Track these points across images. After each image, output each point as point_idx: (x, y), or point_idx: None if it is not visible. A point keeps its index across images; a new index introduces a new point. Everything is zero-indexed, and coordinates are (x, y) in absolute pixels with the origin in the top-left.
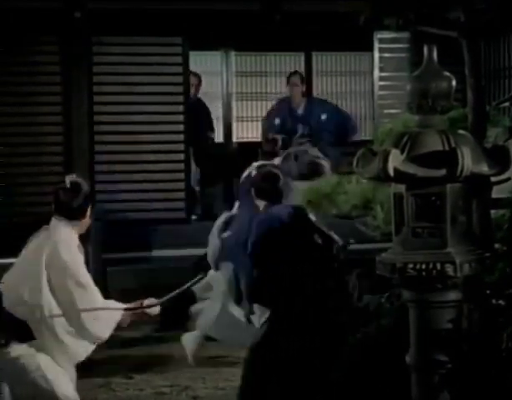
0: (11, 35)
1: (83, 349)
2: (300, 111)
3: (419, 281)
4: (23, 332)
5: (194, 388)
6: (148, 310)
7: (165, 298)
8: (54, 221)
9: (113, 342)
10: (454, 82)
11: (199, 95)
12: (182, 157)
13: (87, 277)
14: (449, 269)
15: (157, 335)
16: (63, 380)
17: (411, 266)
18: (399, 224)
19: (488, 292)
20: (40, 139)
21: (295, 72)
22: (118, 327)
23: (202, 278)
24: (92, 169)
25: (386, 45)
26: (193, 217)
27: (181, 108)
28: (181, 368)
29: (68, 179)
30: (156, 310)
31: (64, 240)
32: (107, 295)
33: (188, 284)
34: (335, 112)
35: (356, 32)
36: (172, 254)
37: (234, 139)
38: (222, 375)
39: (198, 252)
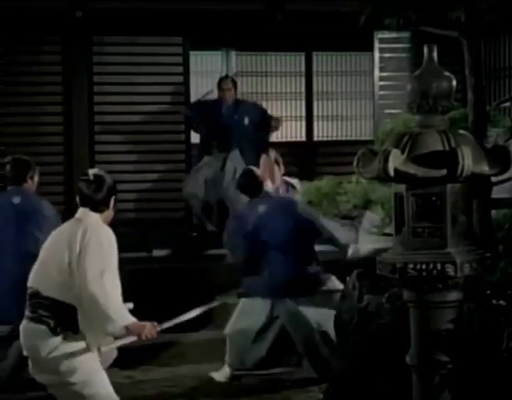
0: (11, 34)
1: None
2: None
3: (419, 281)
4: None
5: (196, 388)
6: (148, 335)
7: (168, 324)
8: (81, 210)
9: None
10: (454, 82)
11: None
12: (182, 157)
13: (97, 273)
14: (450, 269)
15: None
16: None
17: (411, 266)
18: (400, 224)
19: (488, 292)
20: (41, 139)
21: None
22: None
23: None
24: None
25: (386, 45)
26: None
27: (182, 108)
28: (183, 368)
29: (91, 172)
30: (154, 334)
31: (93, 224)
32: None
33: (201, 309)
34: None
35: (356, 32)
36: (172, 254)
37: None
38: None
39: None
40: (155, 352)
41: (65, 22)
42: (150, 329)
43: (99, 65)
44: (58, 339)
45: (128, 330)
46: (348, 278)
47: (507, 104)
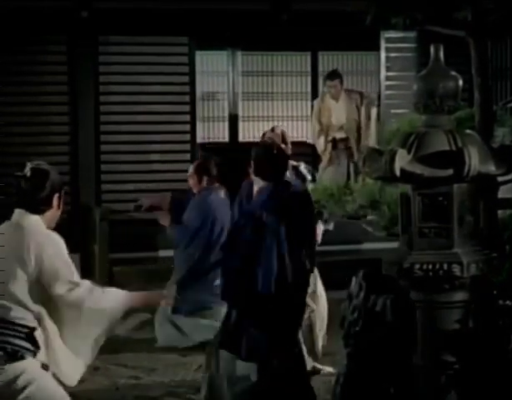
0: (17, 34)
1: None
2: None
3: (426, 281)
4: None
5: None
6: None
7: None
8: (18, 212)
9: (120, 343)
10: (461, 82)
11: None
12: (188, 156)
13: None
14: (456, 269)
15: None
16: None
17: (418, 266)
18: (406, 224)
19: (495, 292)
20: (46, 139)
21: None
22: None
23: None
24: (98, 169)
25: (393, 44)
26: None
27: (187, 108)
28: (189, 369)
29: (29, 166)
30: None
31: (37, 230)
32: None
33: None
34: None
35: (362, 31)
36: None
37: (240, 139)
38: None
39: None
40: (162, 352)
41: (71, 22)
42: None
43: (105, 65)
44: (19, 365)
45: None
46: (353, 278)
47: None
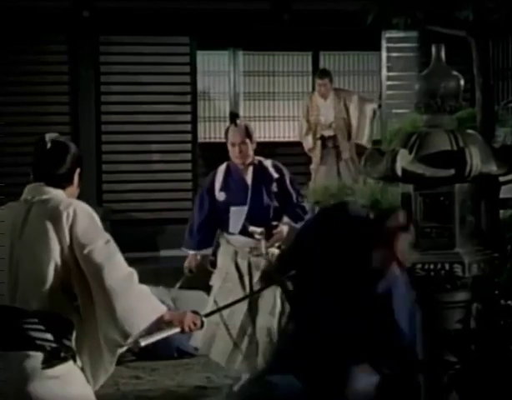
0: (19, 34)
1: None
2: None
3: (427, 281)
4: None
5: (203, 388)
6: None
7: (211, 312)
8: (36, 187)
9: None
10: (462, 82)
11: None
12: (189, 156)
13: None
14: (458, 269)
15: None
16: None
17: (420, 266)
18: (408, 224)
19: (496, 292)
20: None
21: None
22: None
23: None
24: (99, 169)
25: (394, 44)
26: None
27: (188, 108)
28: (189, 368)
29: (49, 137)
30: (198, 324)
31: (65, 200)
32: None
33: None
34: None
35: (364, 31)
36: (179, 254)
37: None
38: (231, 374)
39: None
40: None
41: (72, 22)
42: (192, 318)
43: (106, 65)
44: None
45: (164, 322)
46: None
47: None
